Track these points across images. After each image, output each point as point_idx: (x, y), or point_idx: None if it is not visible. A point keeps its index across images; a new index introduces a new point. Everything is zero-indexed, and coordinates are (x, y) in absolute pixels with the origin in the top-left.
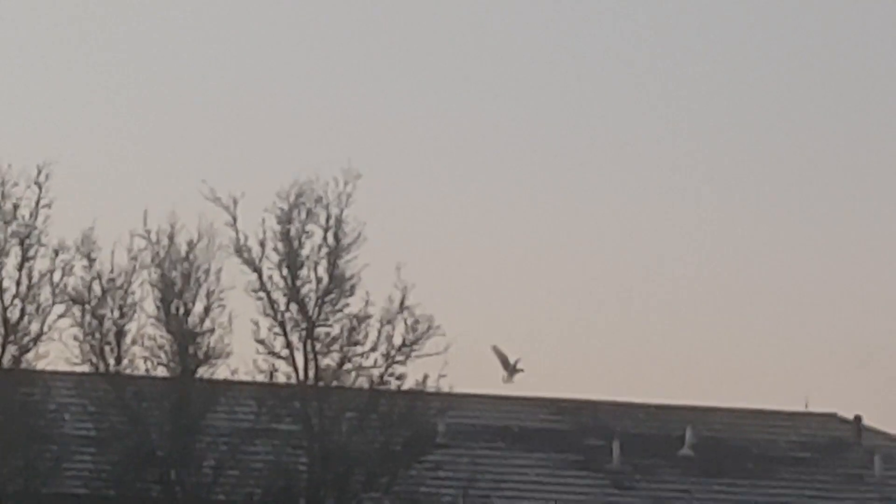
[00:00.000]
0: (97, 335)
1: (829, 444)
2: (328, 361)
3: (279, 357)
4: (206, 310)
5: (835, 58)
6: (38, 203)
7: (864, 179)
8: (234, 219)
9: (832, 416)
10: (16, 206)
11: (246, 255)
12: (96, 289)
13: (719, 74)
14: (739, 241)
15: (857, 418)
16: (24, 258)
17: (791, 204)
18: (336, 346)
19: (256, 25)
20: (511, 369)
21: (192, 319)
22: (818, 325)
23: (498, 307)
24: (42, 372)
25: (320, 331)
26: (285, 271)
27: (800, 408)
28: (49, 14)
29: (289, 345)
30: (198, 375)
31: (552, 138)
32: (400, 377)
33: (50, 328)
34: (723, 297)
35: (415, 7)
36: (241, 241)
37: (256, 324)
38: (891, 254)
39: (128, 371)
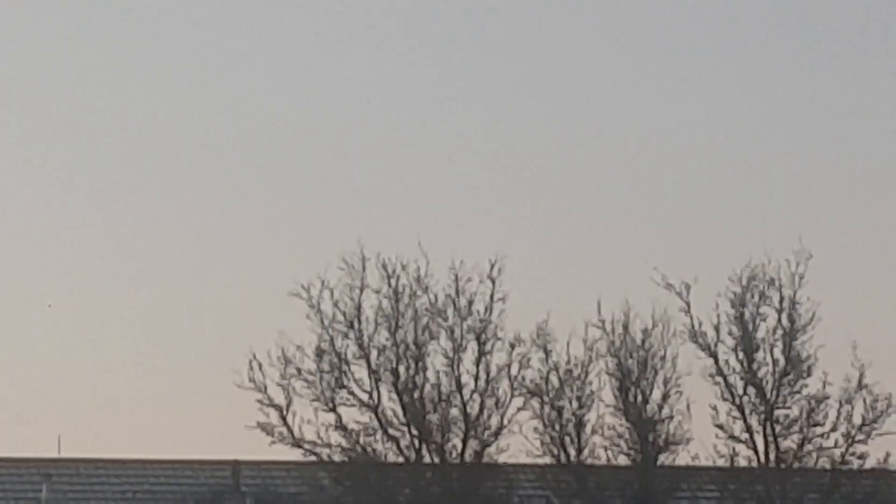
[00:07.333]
0: (557, 426)
1: None
2: (788, 444)
3: (739, 441)
4: (664, 397)
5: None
6: (492, 297)
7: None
8: (688, 304)
9: None
10: (471, 302)
11: (701, 340)
12: (554, 380)
13: None
14: None
15: None
16: (481, 353)
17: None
18: (796, 428)
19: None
20: None
21: (651, 407)
22: None
23: None
24: (504, 465)
25: (779, 413)
26: (741, 355)
27: None
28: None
29: (748, 428)
30: (659, 462)
31: None
32: (861, 456)
33: (510, 421)
34: None
35: None
36: (696, 327)
37: (715, 408)
38: None
39: (588, 461)
